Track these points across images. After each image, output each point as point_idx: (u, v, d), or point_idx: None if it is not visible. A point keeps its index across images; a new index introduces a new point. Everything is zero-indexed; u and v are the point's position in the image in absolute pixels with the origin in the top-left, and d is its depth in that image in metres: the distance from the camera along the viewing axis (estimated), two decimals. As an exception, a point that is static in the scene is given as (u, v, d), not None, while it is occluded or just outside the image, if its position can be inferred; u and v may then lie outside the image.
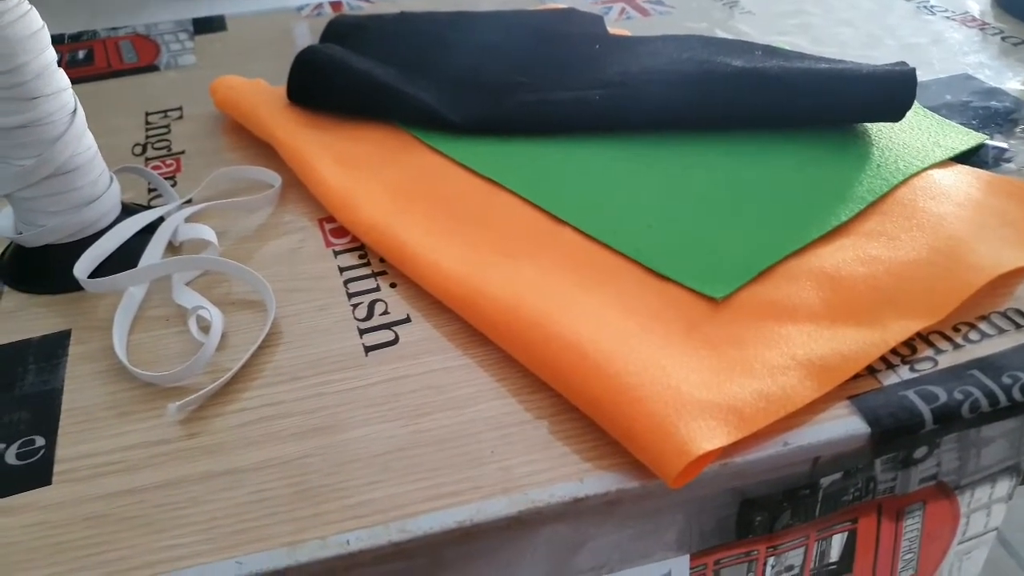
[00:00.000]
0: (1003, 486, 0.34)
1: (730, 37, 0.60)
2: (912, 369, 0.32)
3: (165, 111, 0.55)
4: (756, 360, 0.31)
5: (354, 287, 0.38)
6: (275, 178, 0.46)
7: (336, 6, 0.71)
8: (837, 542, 0.33)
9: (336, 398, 0.32)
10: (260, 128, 0.49)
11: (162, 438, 0.31)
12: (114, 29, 0.69)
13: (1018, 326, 0.34)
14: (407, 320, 0.36)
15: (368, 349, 0.34)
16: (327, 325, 0.36)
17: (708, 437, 0.27)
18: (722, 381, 0.30)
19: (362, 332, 0.35)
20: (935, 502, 0.33)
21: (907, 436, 0.30)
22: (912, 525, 0.34)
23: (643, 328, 0.33)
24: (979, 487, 0.33)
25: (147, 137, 0.52)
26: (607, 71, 0.50)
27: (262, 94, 0.51)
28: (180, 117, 0.54)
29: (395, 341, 0.35)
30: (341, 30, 0.57)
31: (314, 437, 0.31)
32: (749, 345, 0.32)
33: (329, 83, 0.49)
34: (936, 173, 0.42)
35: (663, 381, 0.29)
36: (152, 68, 0.62)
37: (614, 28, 0.59)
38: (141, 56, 0.64)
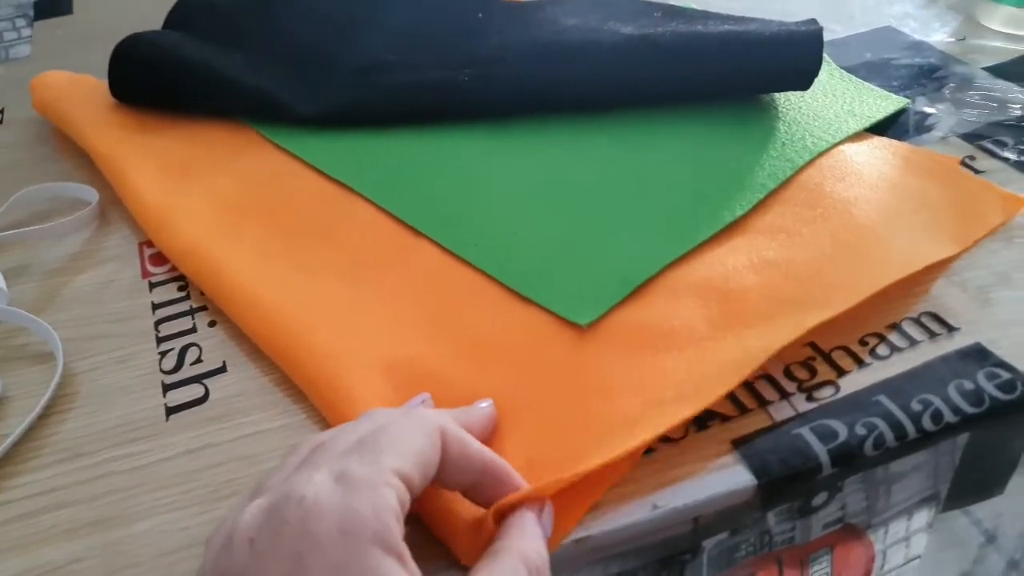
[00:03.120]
0: (922, 516, 0.30)
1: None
2: (810, 398, 0.27)
3: (-16, 116, 0.48)
4: (618, 417, 0.25)
5: (166, 328, 0.32)
6: (92, 195, 0.39)
7: (200, -21, 0.62)
8: (736, 597, 0.29)
9: (124, 479, 0.27)
10: (78, 134, 0.41)
11: (-97, 548, 0.25)
12: (-58, 19, 0.60)
13: (932, 334, 0.29)
14: (222, 369, 0.30)
15: (170, 411, 0.29)
16: (126, 381, 0.30)
17: None
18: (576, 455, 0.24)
19: (167, 388, 0.29)
20: (844, 545, 0.29)
21: (801, 484, 0.25)
22: (820, 570, 0.29)
23: (498, 377, 0.27)
24: (894, 522, 0.29)
25: (-43, 150, 0.45)
26: (484, 45, 0.43)
27: (86, 93, 0.44)
28: (0, 122, 0.47)
29: (204, 398, 0.29)
30: (190, 7, 0.49)
31: (90, 534, 0.25)
32: (615, 393, 0.26)
33: (155, 77, 0.42)
34: (848, 148, 0.37)
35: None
36: (-21, 64, 0.54)
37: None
38: (-31, 50, 0.56)
